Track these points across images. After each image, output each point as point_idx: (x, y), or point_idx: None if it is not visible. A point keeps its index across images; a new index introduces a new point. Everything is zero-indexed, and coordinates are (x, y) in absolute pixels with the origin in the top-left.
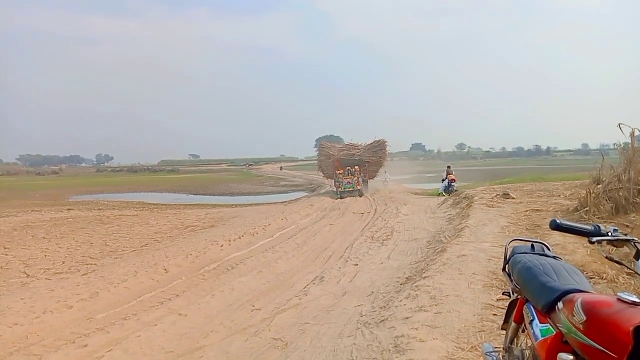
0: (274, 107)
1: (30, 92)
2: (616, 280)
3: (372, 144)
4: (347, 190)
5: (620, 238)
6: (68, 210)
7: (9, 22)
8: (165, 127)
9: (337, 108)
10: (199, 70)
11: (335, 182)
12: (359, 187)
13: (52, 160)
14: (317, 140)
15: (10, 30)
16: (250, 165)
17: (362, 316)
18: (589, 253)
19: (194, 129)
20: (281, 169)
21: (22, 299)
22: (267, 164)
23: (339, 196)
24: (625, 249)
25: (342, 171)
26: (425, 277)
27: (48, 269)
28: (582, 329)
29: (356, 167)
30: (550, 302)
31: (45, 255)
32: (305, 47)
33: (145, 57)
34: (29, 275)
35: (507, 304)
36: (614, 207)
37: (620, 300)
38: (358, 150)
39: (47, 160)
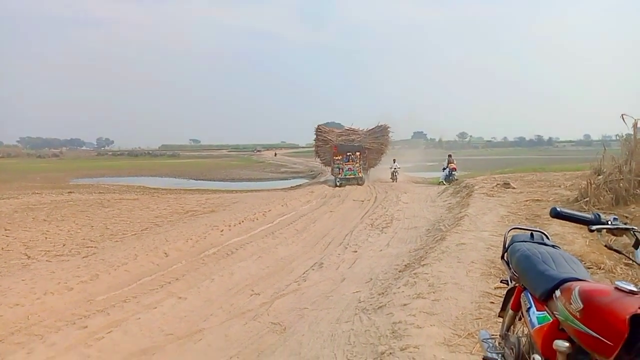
0: (275, 93)
1: (30, 74)
2: (614, 270)
3: (373, 129)
4: (348, 177)
5: (620, 227)
6: (68, 193)
7: (7, 3)
8: (165, 111)
9: (339, 96)
10: (200, 54)
11: (332, 168)
12: (360, 174)
13: (53, 143)
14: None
15: (10, 12)
16: (259, 151)
17: (360, 302)
18: (587, 243)
19: (194, 114)
20: (275, 154)
21: (22, 280)
22: (267, 149)
23: (338, 183)
24: (624, 239)
25: (340, 157)
26: (424, 264)
27: (48, 251)
28: (578, 316)
29: (357, 153)
30: (547, 289)
31: (46, 237)
32: (307, 33)
33: (146, 40)
34: (29, 257)
35: (505, 291)
36: (614, 198)
37: (618, 288)
38: (358, 136)
39: (47, 142)
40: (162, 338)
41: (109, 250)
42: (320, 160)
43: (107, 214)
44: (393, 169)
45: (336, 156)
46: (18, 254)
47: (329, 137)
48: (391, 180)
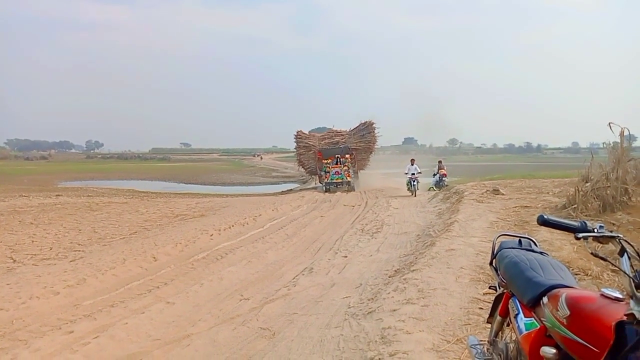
0: (267, 98)
1: (20, 75)
2: (600, 276)
3: (357, 127)
4: (335, 181)
5: (606, 234)
6: (56, 196)
7: None
8: (156, 114)
9: (330, 101)
10: (192, 59)
11: (319, 175)
12: (348, 179)
13: (41, 145)
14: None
15: None
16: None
17: (349, 307)
18: (575, 250)
19: (185, 118)
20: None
21: (7, 284)
22: (265, 153)
23: (325, 188)
24: (611, 246)
25: (329, 160)
26: (414, 270)
27: (35, 255)
28: (565, 323)
29: (346, 156)
30: (535, 296)
31: (33, 241)
32: (298, 39)
33: (138, 44)
34: (15, 261)
35: (493, 297)
36: (601, 205)
37: (604, 295)
38: (342, 137)
39: (36, 144)
40: (149, 343)
41: (96, 254)
42: (305, 168)
43: (95, 218)
44: (410, 175)
45: (324, 160)
46: (3, 257)
47: (310, 143)
48: (409, 193)
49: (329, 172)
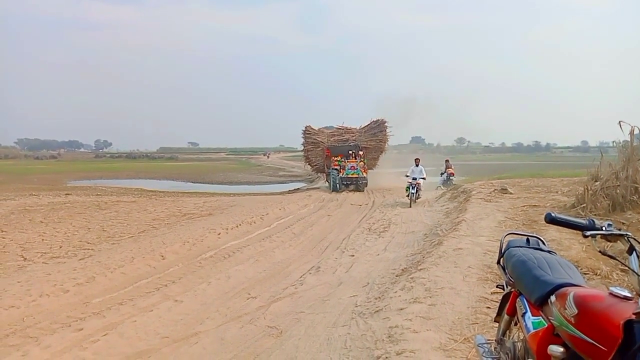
0: (274, 96)
1: (29, 75)
2: (610, 276)
3: (368, 125)
4: (351, 176)
5: (614, 232)
6: (66, 194)
7: (4, 4)
8: (164, 114)
9: (337, 100)
10: (199, 58)
11: (327, 174)
12: (364, 174)
13: (51, 144)
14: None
15: (7, 13)
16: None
17: (356, 306)
18: (584, 249)
19: (193, 117)
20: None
21: (18, 282)
22: (274, 152)
23: (339, 184)
24: (620, 245)
25: (339, 157)
26: (421, 269)
27: (45, 253)
28: (573, 321)
29: (360, 152)
30: (543, 295)
31: (43, 239)
32: (306, 38)
33: (145, 44)
34: (25, 259)
35: (501, 296)
36: (610, 204)
37: (612, 294)
38: (352, 134)
39: (45, 144)
40: (157, 341)
41: (105, 252)
42: (311, 165)
43: (104, 216)
44: (410, 180)
45: (334, 157)
46: (14, 255)
47: (319, 139)
48: (407, 201)
49: (344, 166)
